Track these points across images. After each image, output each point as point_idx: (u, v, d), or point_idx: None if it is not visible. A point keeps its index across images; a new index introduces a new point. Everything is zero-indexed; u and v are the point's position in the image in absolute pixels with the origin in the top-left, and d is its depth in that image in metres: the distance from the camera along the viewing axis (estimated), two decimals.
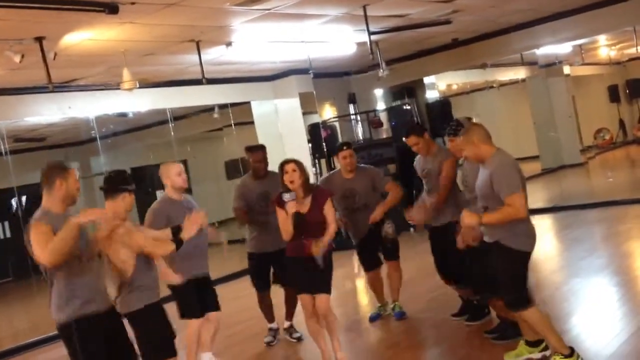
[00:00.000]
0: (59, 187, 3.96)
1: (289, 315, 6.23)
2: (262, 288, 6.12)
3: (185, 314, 5.30)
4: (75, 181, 4.03)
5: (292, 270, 5.18)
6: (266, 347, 6.12)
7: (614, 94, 19.45)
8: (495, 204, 4.30)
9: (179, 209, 5.06)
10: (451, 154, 5.73)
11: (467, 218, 4.31)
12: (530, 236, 4.41)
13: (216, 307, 5.48)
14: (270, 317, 6.24)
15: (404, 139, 5.97)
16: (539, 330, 4.37)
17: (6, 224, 14.28)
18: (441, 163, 5.69)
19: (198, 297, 5.30)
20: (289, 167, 4.99)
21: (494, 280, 4.43)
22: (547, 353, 4.46)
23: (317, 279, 5.00)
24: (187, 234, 4.40)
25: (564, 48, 13.52)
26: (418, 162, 5.99)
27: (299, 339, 6.11)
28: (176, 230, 4.45)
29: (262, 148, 6.15)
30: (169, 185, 5.28)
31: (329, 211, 5.05)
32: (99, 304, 4.01)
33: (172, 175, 5.26)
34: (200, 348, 5.43)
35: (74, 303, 3.90)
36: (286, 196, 4.93)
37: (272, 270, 6.11)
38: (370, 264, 6.34)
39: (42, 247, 3.74)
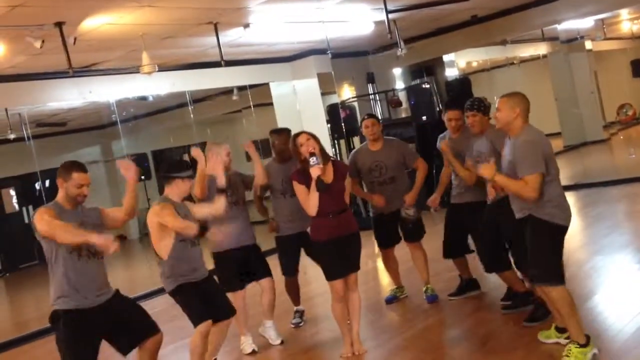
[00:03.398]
0: (60, 186, 4.20)
1: (297, 301, 6.30)
2: (289, 273, 6.08)
3: (225, 287, 5.40)
4: (75, 187, 4.15)
5: (325, 256, 5.03)
6: (293, 328, 6.14)
7: (637, 68, 19.15)
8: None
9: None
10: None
11: (485, 169, 4.30)
12: (564, 210, 4.33)
13: (264, 273, 5.65)
14: (296, 300, 6.25)
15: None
16: (561, 310, 4.29)
17: (30, 207, 14.50)
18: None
19: (240, 269, 5.49)
20: (302, 137, 4.90)
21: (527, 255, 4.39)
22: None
23: (352, 259, 4.96)
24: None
25: (585, 23, 13.33)
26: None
27: (296, 325, 6.18)
28: (203, 227, 4.61)
29: (287, 131, 6.06)
30: None
31: (347, 185, 5.05)
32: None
33: (224, 155, 5.42)
34: (264, 316, 5.74)
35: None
36: (313, 159, 4.77)
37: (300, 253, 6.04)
38: (384, 241, 6.29)
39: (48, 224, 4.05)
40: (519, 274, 5.37)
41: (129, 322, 4.34)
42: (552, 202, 4.27)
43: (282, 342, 5.72)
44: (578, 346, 4.17)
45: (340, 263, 4.93)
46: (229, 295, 5.29)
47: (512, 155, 4.31)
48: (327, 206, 4.86)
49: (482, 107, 5.33)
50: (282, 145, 5.84)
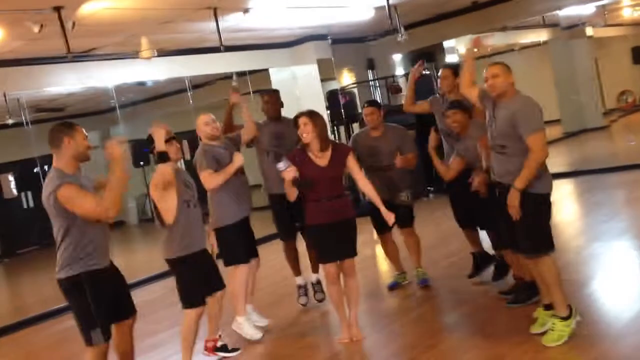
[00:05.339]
0: (67, 145, 4.04)
1: (316, 267, 6.16)
2: (285, 236, 6.10)
3: (230, 260, 5.46)
4: (83, 139, 4.10)
5: (318, 240, 5.08)
6: (293, 311, 6.16)
7: (637, 55, 19.13)
8: (514, 142, 4.27)
9: (218, 151, 5.37)
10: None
11: (512, 200, 4.24)
12: (549, 177, 4.38)
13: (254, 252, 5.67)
14: (296, 269, 6.21)
15: None
16: (549, 281, 4.35)
17: (29, 193, 14.50)
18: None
19: (243, 241, 5.50)
20: (301, 120, 4.92)
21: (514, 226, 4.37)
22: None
23: (346, 244, 4.93)
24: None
25: (586, 9, 13.28)
26: None
27: (321, 301, 6.15)
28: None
29: (273, 91, 6.29)
30: (202, 136, 5.48)
31: (354, 168, 4.98)
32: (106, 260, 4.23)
33: (201, 125, 5.45)
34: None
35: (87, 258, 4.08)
36: (280, 165, 4.86)
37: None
38: (381, 227, 6.22)
39: (93, 202, 3.94)
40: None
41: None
42: (541, 172, 4.27)
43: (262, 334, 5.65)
44: (561, 319, 4.30)
45: (333, 247, 4.94)
46: (236, 269, 5.41)
47: (509, 120, 4.26)
48: (322, 191, 4.88)
49: (463, 105, 5.32)
50: (266, 105, 6.07)
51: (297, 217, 5.64)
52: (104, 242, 4.21)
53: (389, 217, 4.92)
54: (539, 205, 4.32)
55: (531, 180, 4.22)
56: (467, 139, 5.31)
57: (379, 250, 6.82)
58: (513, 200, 4.24)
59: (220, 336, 5.28)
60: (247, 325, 5.56)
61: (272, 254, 6.19)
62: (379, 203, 4.93)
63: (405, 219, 6.19)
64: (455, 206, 5.93)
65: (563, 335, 4.29)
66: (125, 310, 4.37)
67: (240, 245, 5.49)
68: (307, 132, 4.87)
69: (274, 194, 5.99)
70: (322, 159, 4.89)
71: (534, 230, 4.32)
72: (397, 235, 6.36)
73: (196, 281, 4.82)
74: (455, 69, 5.96)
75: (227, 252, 5.48)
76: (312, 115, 4.95)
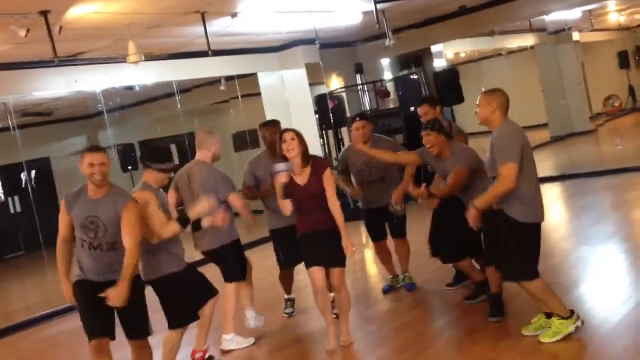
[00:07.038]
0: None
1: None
2: (285, 266, 6.10)
3: (230, 277, 5.49)
4: (86, 167, 4.18)
5: (303, 245, 5.12)
6: (287, 317, 6.17)
7: (623, 60, 19.27)
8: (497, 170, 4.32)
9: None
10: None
11: (470, 216, 4.43)
12: (534, 208, 4.38)
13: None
14: (288, 290, 6.27)
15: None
16: (539, 298, 4.43)
17: (16, 198, 14.40)
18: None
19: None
20: (288, 135, 4.91)
21: (494, 247, 4.50)
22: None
23: (332, 252, 4.93)
24: (191, 214, 4.67)
25: (573, 14, 13.38)
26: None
27: (290, 314, 6.22)
28: (183, 215, 4.69)
29: (276, 123, 6.03)
30: (210, 155, 5.39)
31: (328, 185, 4.91)
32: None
33: (219, 145, 5.45)
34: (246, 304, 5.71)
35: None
36: (280, 165, 4.86)
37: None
38: (377, 234, 6.34)
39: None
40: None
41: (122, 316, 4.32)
42: (519, 200, 4.31)
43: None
44: (559, 318, 4.37)
45: (315, 253, 4.98)
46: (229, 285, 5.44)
47: (491, 148, 4.35)
48: (303, 207, 4.96)
49: (437, 127, 5.19)
50: (273, 137, 5.68)
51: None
52: (90, 260, 4.24)
53: (347, 247, 4.89)
54: (526, 235, 4.36)
55: (495, 203, 4.34)
56: (447, 161, 5.19)
57: (368, 254, 6.82)
58: (470, 215, 4.42)
59: (207, 347, 5.24)
60: (237, 338, 5.56)
61: (263, 258, 6.17)
62: (343, 229, 4.90)
63: (400, 230, 6.25)
64: (434, 234, 5.84)
65: (558, 332, 4.36)
66: (101, 328, 4.24)
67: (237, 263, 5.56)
68: (293, 147, 4.88)
69: (275, 229, 6.00)
70: (301, 177, 4.93)
71: (516, 258, 4.37)
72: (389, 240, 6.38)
73: (184, 298, 4.74)
74: (431, 100, 6.13)
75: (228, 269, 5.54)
76: (297, 132, 4.99)
